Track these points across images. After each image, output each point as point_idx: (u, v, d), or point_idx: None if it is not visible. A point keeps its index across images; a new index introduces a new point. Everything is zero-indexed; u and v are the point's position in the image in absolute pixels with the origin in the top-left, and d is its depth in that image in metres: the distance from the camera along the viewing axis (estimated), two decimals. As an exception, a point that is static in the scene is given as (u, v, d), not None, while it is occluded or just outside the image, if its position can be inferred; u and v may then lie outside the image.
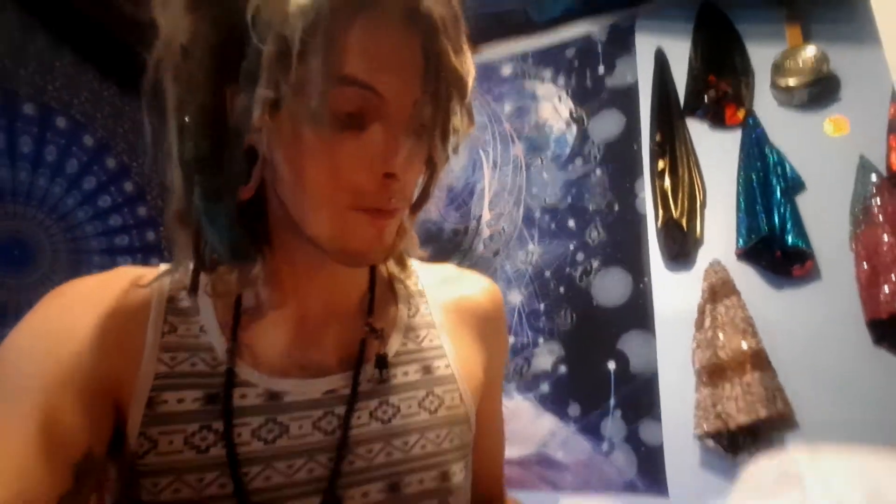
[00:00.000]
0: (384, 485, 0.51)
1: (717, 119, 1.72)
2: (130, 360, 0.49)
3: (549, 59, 2.14)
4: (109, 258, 1.90)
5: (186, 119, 0.48)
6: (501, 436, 0.73)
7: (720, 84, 1.72)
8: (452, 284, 0.65)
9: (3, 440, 0.41)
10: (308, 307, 0.56)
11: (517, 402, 1.86)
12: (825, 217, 1.49)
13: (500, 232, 2.07)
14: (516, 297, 1.96)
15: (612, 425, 1.72)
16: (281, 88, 0.44)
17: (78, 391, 0.45)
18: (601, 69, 2.03)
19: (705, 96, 1.73)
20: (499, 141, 2.18)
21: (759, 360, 1.46)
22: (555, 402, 1.81)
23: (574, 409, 1.78)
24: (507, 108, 2.18)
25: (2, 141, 1.60)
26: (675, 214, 1.69)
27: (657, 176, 1.77)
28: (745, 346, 1.48)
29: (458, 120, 0.48)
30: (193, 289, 0.54)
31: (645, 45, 1.93)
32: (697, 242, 1.68)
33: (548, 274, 1.94)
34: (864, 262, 1.37)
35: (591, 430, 1.75)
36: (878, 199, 1.39)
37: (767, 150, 1.59)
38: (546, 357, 1.86)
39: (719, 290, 1.57)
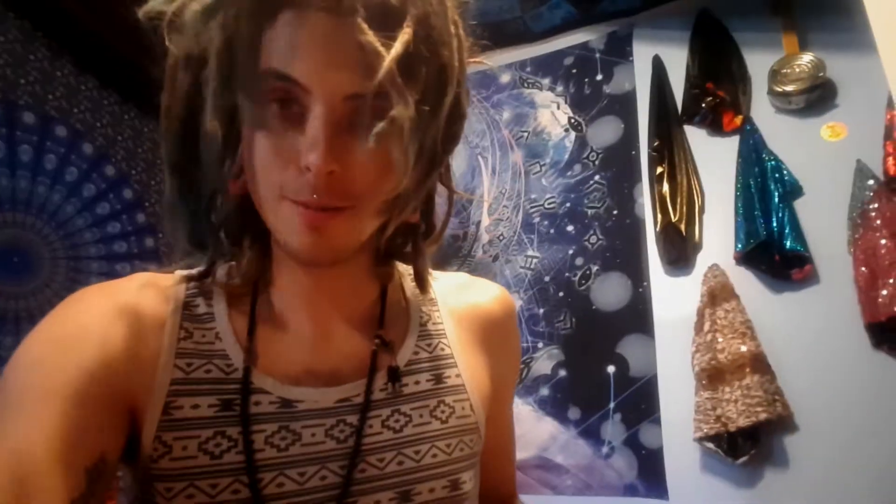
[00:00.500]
0: (395, 493, 0.52)
1: (715, 125, 1.74)
2: (146, 366, 0.50)
3: (547, 66, 2.16)
4: (108, 265, 1.89)
5: (170, 123, 0.50)
6: (512, 439, 0.74)
7: (717, 91, 1.74)
8: (464, 292, 0.66)
9: (18, 443, 0.41)
10: (320, 315, 0.56)
11: (517, 406, 1.86)
12: (823, 221, 1.51)
13: (500, 237, 2.09)
14: (516, 302, 1.97)
15: (612, 429, 1.72)
16: (221, 91, 0.46)
17: (92, 396, 0.46)
18: (599, 76, 2.05)
19: (703, 103, 1.75)
20: (497, 147, 2.20)
21: (758, 363, 1.48)
22: (555, 406, 1.82)
23: (574, 413, 1.79)
24: (506, 115, 2.20)
25: (2, 150, 1.60)
26: (674, 219, 1.70)
27: (655, 181, 1.79)
28: (744, 349, 1.49)
29: (403, 116, 0.45)
30: (205, 275, 0.55)
31: (642, 53, 1.96)
32: (696, 247, 1.69)
33: (547, 279, 1.96)
34: (863, 266, 1.38)
35: (591, 433, 1.75)
36: (875, 203, 1.41)
37: (765, 156, 1.61)
38: (546, 361, 1.87)
39: (718, 293, 1.58)
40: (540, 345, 1.89)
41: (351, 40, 0.44)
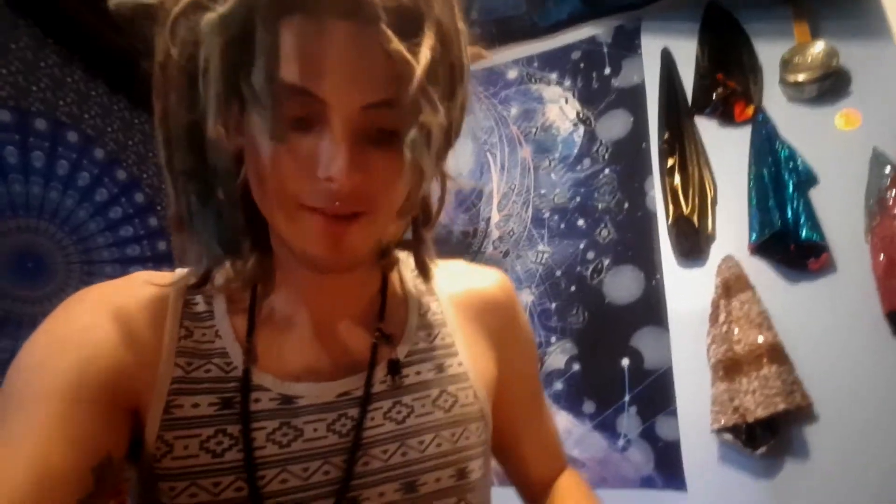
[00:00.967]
0: (400, 484, 0.52)
1: (727, 116, 1.73)
2: (147, 365, 0.50)
3: (554, 61, 2.15)
4: (121, 268, 1.90)
5: (172, 130, 0.48)
6: (547, 416, 0.72)
7: (728, 81, 1.73)
8: (461, 279, 0.65)
9: (24, 446, 0.42)
10: (320, 311, 0.56)
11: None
12: (839, 210, 1.50)
13: (510, 233, 2.08)
14: (527, 297, 1.96)
15: (628, 422, 1.72)
16: (225, 97, 0.44)
17: (96, 396, 0.46)
18: (607, 70, 2.04)
19: (714, 94, 1.74)
20: (506, 143, 2.19)
21: (776, 353, 1.47)
22: (569, 401, 1.82)
23: (589, 407, 1.79)
24: (514, 111, 2.19)
25: (15, 156, 1.61)
26: (686, 211, 1.70)
27: (667, 174, 1.78)
28: (761, 339, 1.48)
29: (433, 123, 0.44)
30: (203, 282, 0.54)
31: (651, 46, 1.94)
32: (709, 238, 1.69)
33: (559, 273, 1.95)
34: (881, 254, 1.37)
35: (606, 426, 1.75)
36: (892, 190, 1.40)
37: (778, 146, 1.60)
38: (559, 356, 1.86)
39: (733, 285, 1.57)
40: (553, 339, 1.88)
41: (373, 49, 0.42)
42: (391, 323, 0.59)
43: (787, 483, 1.47)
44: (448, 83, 0.47)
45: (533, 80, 2.18)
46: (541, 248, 2.01)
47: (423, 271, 0.59)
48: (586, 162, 2.00)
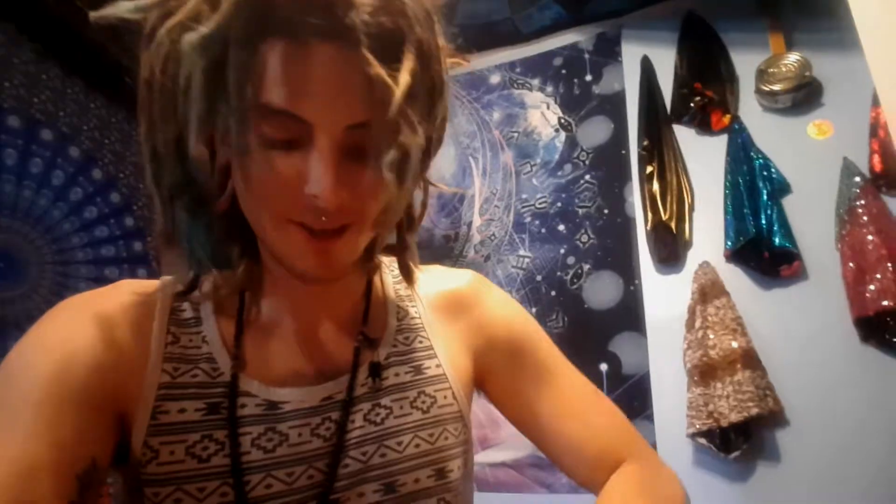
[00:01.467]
0: (380, 485, 0.53)
1: (704, 125, 1.76)
2: (134, 371, 0.50)
3: (536, 67, 2.17)
4: (96, 269, 1.87)
5: (158, 148, 0.49)
6: (573, 386, 0.66)
7: (706, 91, 1.76)
8: (436, 282, 0.66)
9: (8, 451, 0.42)
10: (305, 317, 0.57)
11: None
12: (811, 218, 1.53)
13: (491, 237, 2.09)
14: (509, 302, 1.97)
15: (606, 427, 1.73)
16: (207, 116, 0.45)
17: (81, 402, 0.46)
18: (588, 77, 2.06)
19: (691, 103, 1.77)
20: (488, 148, 2.20)
21: (749, 358, 1.49)
22: (549, 406, 1.83)
23: (568, 413, 1.80)
24: (496, 115, 2.20)
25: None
26: (665, 218, 1.72)
27: (646, 180, 1.80)
28: (735, 345, 1.51)
29: (411, 144, 0.45)
30: (190, 289, 0.55)
31: (631, 54, 1.97)
32: (687, 245, 1.71)
33: (539, 278, 1.96)
34: (850, 262, 1.41)
35: (585, 432, 1.76)
36: (862, 200, 1.43)
37: (753, 154, 1.63)
38: (539, 361, 1.87)
39: (709, 291, 1.60)
40: (533, 344, 1.89)
41: (355, 72, 0.43)
42: (373, 327, 0.60)
43: (760, 486, 1.50)
44: (427, 100, 0.49)
45: (515, 85, 2.20)
46: (522, 252, 2.02)
47: (407, 276, 0.60)
48: (567, 167, 2.02)
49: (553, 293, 1.92)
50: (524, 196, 2.07)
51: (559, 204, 2.00)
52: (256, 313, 0.57)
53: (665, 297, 1.71)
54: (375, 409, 0.55)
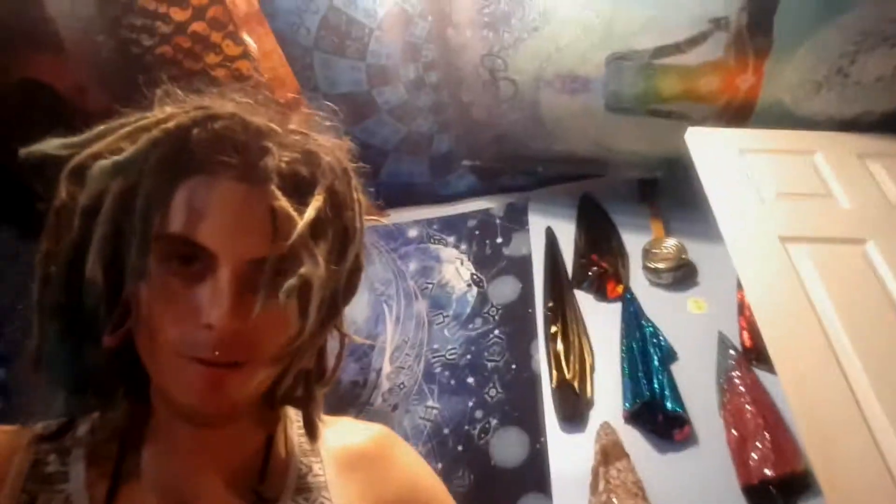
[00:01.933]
0: None
1: (601, 292, 1.94)
2: None
3: (452, 226, 2.35)
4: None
5: (52, 269, 0.49)
6: None
7: (601, 262, 1.97)
8: (343, 436, 0.64)
9: None
10: (195, 471, 0.53)
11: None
12: (697, 385, 1.67)
13: (401, 386, 2.06)
14: (414, 457, 1.90)
15: None
16: (110, 241, 0.46)
17: None
18: (499, 240, 2.25)
19: (589, 272, 1.97)
20: (402, 297, 2.26)
21: (650, 524, 1.51)
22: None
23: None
24: (413, 266, 2.30)
25: None
26: (569, 376, 1.80)
27: (550, 339, 1.91)
28: (637, 510, 1.53)
29: (313, 275, 0.47)
30: (60, 433, 0.50)
31: (537, 223, 2.20)
32: (589, 404, 1.79)
33: (446, 431, 1.93)
34: (733, 430, 1.53)
35: None
36: (737, 371, 1.60)
37: (644, 322, 1.81)
38: (442, 523, 1.77)
39: (611, 452, 1.64)
40: None
41: (261, 206, 0.46)
42: (270, 484, 0.56)
43: None
44: (338, 245, 0.51)
45: (432, 240, 2.34)
46: (430, 403, 2.00)
47: (311, 431, 0.58)
48: (478, 321, 2.10)
49: (460, 448, 1.89)
50: (435, 346, 2.10)
51: (469, 356, 2.04)
52: (136, 465, 0.52)
53: (570, 456, 1.73)
54: None
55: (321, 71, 1.98)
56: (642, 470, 1.61)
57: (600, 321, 1.90)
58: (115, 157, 0.45)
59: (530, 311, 2.04)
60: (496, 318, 2.09)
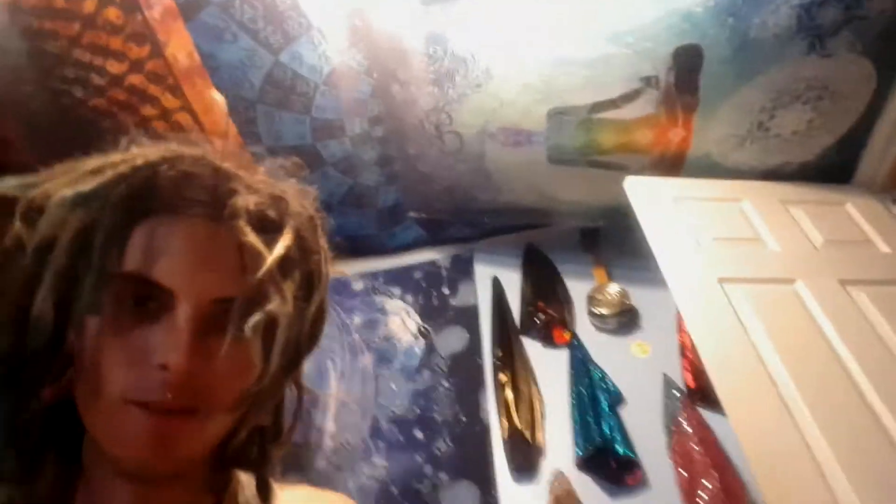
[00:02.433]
0: None
1: (548, 339, 1.95)
2: None
3: (398, 278, 2.33)
4: None
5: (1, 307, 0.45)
6: None
7: (548, 309, 2.00)
8: None
9: None
10: None
11: None
12: (645, 428, 1.69)
13: (346, 444, 1.97)
14: (361, 522, 1.79)
15: None
16: (63, 277, 0.43)
17: None
18: (446, 290, 2.25)
19: (536, 319, 1.99)
20: (347, 351, 2.19)
21: (608, 576, 1.47)
22: None
23: None
24: (357, 320, 2.25)
25: None
26: (520, 426, 1.78)
27: (500, 388, 1.89)
28: (593, 562, 1.49)
29: (280, 313, 0.46)
30: None
31: (483, 273, 2.22)
32: (540, 452, 1.76)
33: (395, 490, 1.84)
34: (682, 470, 1.54)
35: None
36: (683, 412, 1.63)
37: (591, 368, 1.82)
38: None
39: (564, 501, 1.61)
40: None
41: (225, 244, 0.45)
42: None
43: None
44: (305, 288, 0.50)
45: (377, 292, 2.31)
46: (377, 461, 1.91)
47: (266, 497, 0.55)
48: (426, 373, 2.06)
49: (409, 507, 1.80)
50: (382, 401, 2.03)
51: (417, 410, 1.99)
52: None
53: (523, 509, 1.69)
54: None
55: (265, 124, 1.98)
56: (597, 519, 1.58)
57: (549, 368, 1.91)
58: (78, 188, 0.43)
59: (479, 361, 2.02)
60: (444, 369, 2.05)
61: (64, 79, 1.70)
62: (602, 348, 1.90)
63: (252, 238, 0.45)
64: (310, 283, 0.51)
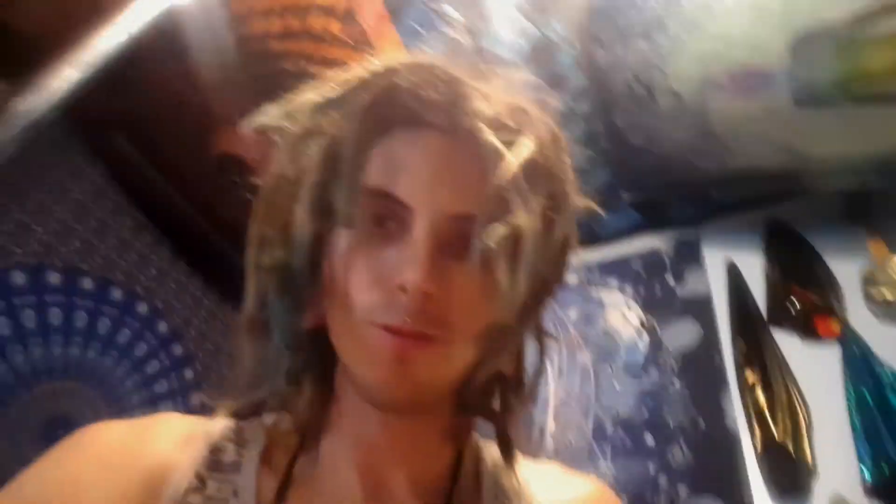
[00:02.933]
0: None
1: (809, 331, 1.60)
2: None
3: (614, 268, 2.15)
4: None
5: (267, 231, 0.48)
6: None
7: (804, 296, 1.64)
8: (561, 487, 0.56)
9: None
10: (376, 476, 0.49)
11: None
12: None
13: (568, 445, 1.87)
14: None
15: None
16: (320, 193, 0.45)
17: None
18: (670, 279, 2.00)
19: (790, 307, 1.65)
20: (564, 346, 2.09)
21: None
22: None
23: None
24: (573, 314, 2.13)
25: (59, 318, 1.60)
26: (778, 437, 1.48)
27: (748, 390, 1.61)
28: None
29: (524, 227, 0.42)
30: (253, 414, 0.50)
31: (714, 258, 1.92)
32: (811, 472, 1.43)
33: (625, 500, 1.68)
34: None
35: None
36: None
37: (876, 366, 1.44)
38: None
39: (852, 535, 1.28)
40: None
41: (464, 157, 0.43)
42: None
43: None
44: (549, 210, 0.45)
45: (593, 284, 2.16)
46: (602, 465, 1.78)
47: (507, 451, 0.52)
48: (653, 372, 1.86)
49: (645, 521, 1.62)
50: (605, 401, 1.89)
51: (646, 412, 1.80)
52: (312, 466, 0.49)
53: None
54: None
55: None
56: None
57: (813, 367, 1.56)
58: (326, 94, 0.46)
59: (716, 357, 1.75)
60: (674, 366, 1.83)
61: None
62: (888, 342, 1.49)
63: (492, 138, 0.43)
64: (553, 207, 0.47)
